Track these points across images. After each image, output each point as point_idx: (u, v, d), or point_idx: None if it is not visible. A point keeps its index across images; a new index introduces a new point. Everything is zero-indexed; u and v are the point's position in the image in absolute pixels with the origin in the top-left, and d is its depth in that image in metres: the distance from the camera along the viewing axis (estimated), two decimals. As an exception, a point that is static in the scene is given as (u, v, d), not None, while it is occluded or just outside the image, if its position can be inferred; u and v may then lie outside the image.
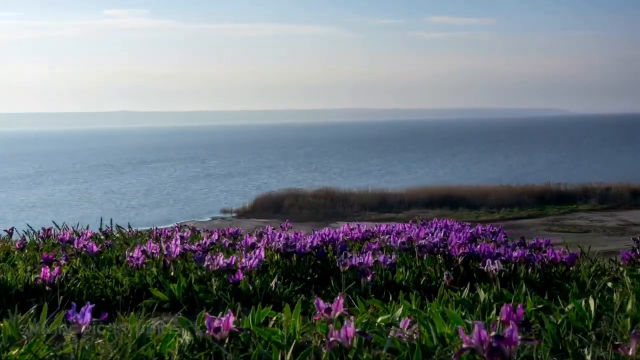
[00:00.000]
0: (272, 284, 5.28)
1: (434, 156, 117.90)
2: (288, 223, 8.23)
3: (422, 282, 5.62)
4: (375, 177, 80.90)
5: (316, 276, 5.92)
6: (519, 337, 3.02)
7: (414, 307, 4.66)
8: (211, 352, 3.79)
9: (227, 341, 3.60)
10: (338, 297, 3.82)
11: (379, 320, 4.36)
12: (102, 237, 8.08)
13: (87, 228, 8.13)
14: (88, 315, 3.36)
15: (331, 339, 3.42)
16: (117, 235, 8.28)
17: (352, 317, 3.53)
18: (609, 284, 5.28)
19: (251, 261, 5.20)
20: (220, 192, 75.01)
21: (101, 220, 8.46)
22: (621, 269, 6.43)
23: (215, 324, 3.52)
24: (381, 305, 4.81)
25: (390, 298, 5.00)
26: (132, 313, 3.73)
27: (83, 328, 3.36)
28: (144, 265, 5.71)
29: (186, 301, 5.17)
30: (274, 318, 4.35)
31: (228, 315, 3.54)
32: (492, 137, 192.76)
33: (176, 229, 8.16)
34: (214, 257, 5.27)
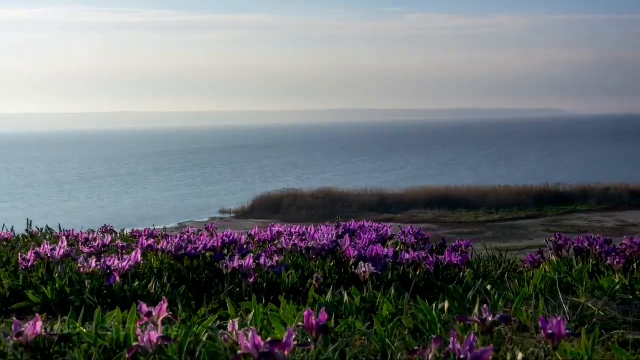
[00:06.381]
0: (150, 286, 5.25)
1: (433, 156, 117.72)
2: (213, 225, 8.18)
3: (307, 285, 5.57)
4: (374, 177, 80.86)
5: (207, 279, 5.88)
6: (295, 342, 2.99)
7: (281, 311, 4.63)
8: (37, 356, 3.76)
9: (40, 345, 3.57)
10: (162, 301, 3.79)
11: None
12: (28, 238, 8.09)
13: (12, 229, 8.12)
14: None
15: (134, 344, 3.38)
16: (44, 237, 8.26)
17: (159, 324, 3.48)
18: (488, 287, 5.22)
19: (124, 263, 5.17)
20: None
21: (27, 220, 8.45)
22: (532, 271, 6.39)
23: (23, 328, 3.49)
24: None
25: (265, 301, 4.96)
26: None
27: None
28: (33, 268, 5.68)
29: (59, 304, 5.15)
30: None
31: (35, 319, 3.51)
32: (490, 138, 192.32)
33: (100, 231, 8.12)
34: (88, 259, 5.25)
